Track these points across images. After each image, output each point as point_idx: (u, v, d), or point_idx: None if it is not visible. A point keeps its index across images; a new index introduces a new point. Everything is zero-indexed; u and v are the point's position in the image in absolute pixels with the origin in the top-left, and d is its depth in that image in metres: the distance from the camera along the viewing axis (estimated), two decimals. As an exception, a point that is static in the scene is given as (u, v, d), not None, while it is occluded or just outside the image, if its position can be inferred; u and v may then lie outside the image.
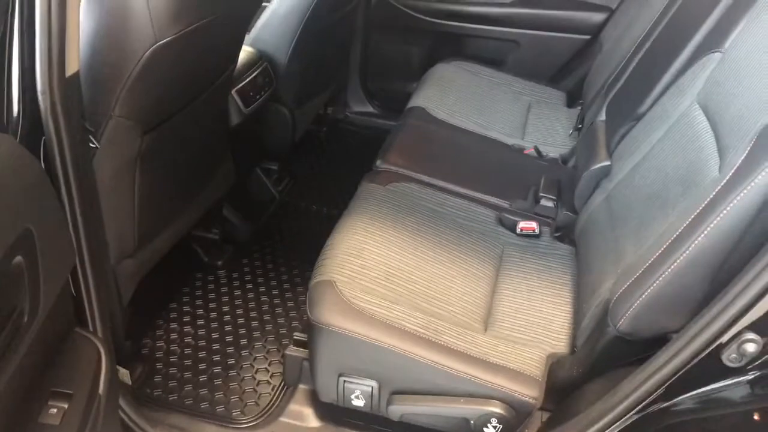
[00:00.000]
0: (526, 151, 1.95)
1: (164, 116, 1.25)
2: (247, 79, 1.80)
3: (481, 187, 1.72)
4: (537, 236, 1.58)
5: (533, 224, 1.57)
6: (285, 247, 2.02)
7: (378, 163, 1.75)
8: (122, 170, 1.22)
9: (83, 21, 1.03)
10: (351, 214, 1.51)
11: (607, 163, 1.54)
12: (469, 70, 2.32)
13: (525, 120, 2.13)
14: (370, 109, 2.69)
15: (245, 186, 2.09)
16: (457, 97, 2.13)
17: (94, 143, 1.11)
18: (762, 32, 1.13)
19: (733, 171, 0.95)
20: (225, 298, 1.80)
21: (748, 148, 0.95)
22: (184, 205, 1.57)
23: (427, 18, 2.47)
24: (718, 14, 1.37)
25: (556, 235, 1.62)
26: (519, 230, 1.57)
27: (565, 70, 2.43)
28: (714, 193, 0.97)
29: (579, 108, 2.17)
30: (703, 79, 1.27)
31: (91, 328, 1.12)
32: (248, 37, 1.95)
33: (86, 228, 1.06)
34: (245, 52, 1.88)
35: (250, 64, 1.84)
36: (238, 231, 1.98)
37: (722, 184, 0.96)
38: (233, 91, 1.74)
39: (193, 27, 1.10)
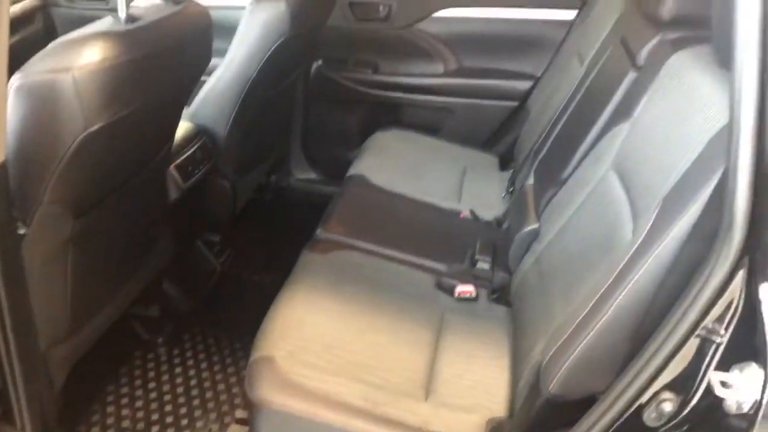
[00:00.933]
0: (462, 215, 2.02)
1: (97, 199, 1.25)
2: (186, 155, 1.81)
3: (420, 252, 1.75)
4: (474, 299, 1.61)
5: (470, 288, 1.61)
6: (227, 320, 2.00)
7: (318, 232, 1.77)
8: (53, 255, 1.20)
9: (11, 110, 1.04)
10: (291, 286, 1.52)
11: (536, 226, 1.61)
12: (406, 137, 2.40)
13: (460, 184, 2.20)
14: (313, 176, 2.74)
15: (186, 259, 2.07)
16: (396, 164, 2.19)
17: (22, 230, 1.10)
18: (663, 104, 1.23)
19: (643, 236, 1.02)
20: (165, 377, 1.76)
21: (654, 214, 1.02)
22: (121, 284, 1.55)
23: (365, 89, 2.56)
24: (626, 86, 1.48)
25: (493, 297, 1.66)
26: (457, 294, 1.61)
27: (497, 136, 2.54)
28: (628, 257, 1.03)
29: (511, 171, 2.27)
30: (617, 147, 1.36)
31: (18, 424, 1.08)
32: (187, 112, 1.98)
33: (13, 317, 1.04)
34: (184, 127, 1.90)
35: (189, 139, 1.86)
36: (178, 306, 1.96)
37: (634, 248, 1.02)
38: (171, 167, 1.75)
39: (125, 112, 1.12)
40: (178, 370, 1.79)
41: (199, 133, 1.93)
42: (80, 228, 1.23)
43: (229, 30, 1.90)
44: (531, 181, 1.86)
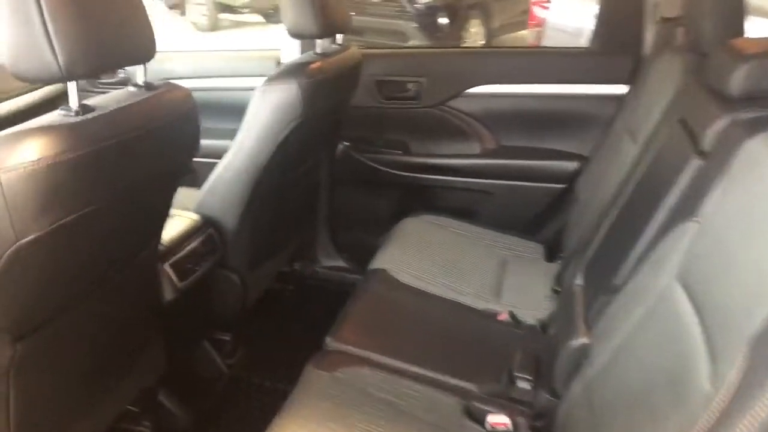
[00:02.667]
0: (500, 317, 1.74)
1: (44, 318, 1.06)
2: (184, 251, 1.63)
3: (446, 368, 1.49)
4: (511, 432, 1.33)
5: (505, 420, 1.32)
6: (231, 437, 1.76)
7: (327, 341, 1.54)
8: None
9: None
10: (289, 410, 1.29)
11: (586, 340, 1.33)
12: (438, 224, 2.17)
13: (500, 278, 1.94)
14: (340, 263, 2.53)
15: (188, 362, 1.86)
16: (424, 256, 1.95)
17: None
18: (739, 203, 0.96)
19: (729, 395, 0.74)
20: None
21: (743, 362, 0.74)
22: (91, 408, 1.33)
23: (394, 171, 2.37)
24: (689, 176, 1.22)
25: (537, 425, 1.36)
26: (488, 426, 1.32)
27: (542, 221, 2.28)
28: (709, 420, 0.75)
29: (559, 262, 2.00)
30: (682, 253, 1.08)
31: None
32: (195, 203, 1.82)
33: None
34: (187, 219, 1.74)
35: (190, 233, 1.69)
36: (176, 420, 1.72)
37: (719, 409, 0.74)
38: (166, 265, 1.57)
39: (71, 218, 0.94)
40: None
41: (205, 224, 1.76)
42: (23, 353, 1.03)
43: (241, 112, 1.75)
44: (580, 281, 1.58)
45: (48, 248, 0.93)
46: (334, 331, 1.55)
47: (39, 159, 0.86)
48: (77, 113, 0.95)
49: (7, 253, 0.88)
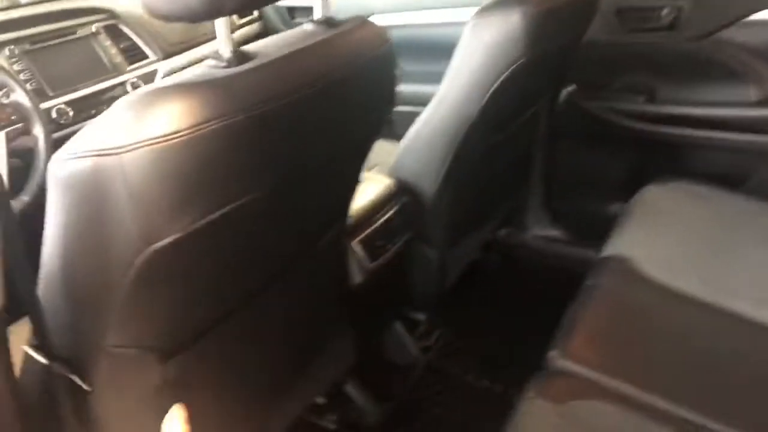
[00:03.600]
0: (795, 337, 1.24)
1: (195, 334, 0.84)
2: (376, 224, 1.37)
3: (722, 410, 1.06)
4: None
5: None
6: (424, 440, 1.51)
7: (551, 355, 1.18)
8: (137, 407, 0.82)
9: (51, 211, 0.66)
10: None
11: None
12: (695, 194, 1.66)
13: (790, 276, 1.40)
14: (555, 233, 2.13)
15: (378, 348, 1.63)
16: (677, 240, 1.48)
17: (83, 385, 0.73)
18: None
19: None
20: None
21: None
22: (265, 413, 1.13)
23: (633, 123, 1.87)
24: None
25: None
26: None
27: None
28: None
29: None
30: None
31: None
32: (390, 165, 1.55)
33: None
34: (379, 184, 1.47)
35: (382, 203, 1.42)
36: (364, 415, 1.51)
37: None
38: (354, 243, 1.32)
39: (220, 213, 0.68)
40: None
41: (399, 191, 1.48)
42: (178, 370, 0.83)
43: (452, 51, 1.41)
44: None
45: (192, 253, 0.69)
46: (560, 344, 1.18)
47: (174, 132, 0.60)
48: (229, 63, 0.68)
49: (137, 262, 0.65)
